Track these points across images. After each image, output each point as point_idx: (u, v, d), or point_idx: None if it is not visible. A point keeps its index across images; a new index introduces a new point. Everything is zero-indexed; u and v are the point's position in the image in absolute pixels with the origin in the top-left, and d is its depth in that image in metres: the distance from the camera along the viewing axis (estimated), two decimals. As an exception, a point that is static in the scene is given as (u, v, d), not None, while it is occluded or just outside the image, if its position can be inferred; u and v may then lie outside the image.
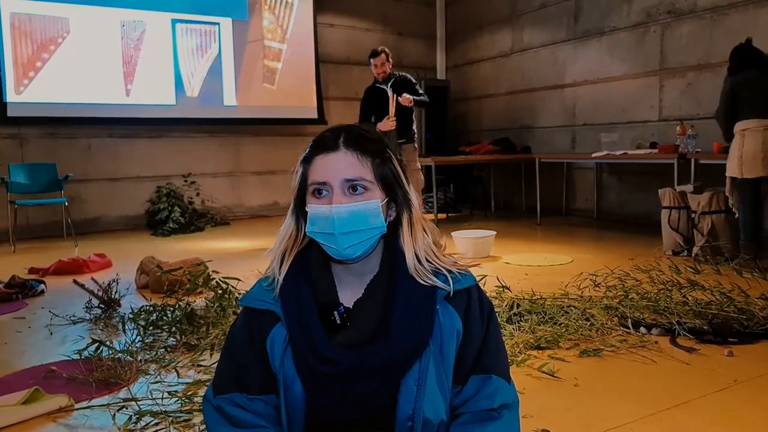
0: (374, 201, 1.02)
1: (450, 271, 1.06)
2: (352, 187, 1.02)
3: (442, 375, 1.03)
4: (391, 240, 1.07)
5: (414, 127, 5.26)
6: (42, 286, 3.84)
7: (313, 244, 1.07)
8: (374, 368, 1.00)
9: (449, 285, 1.04)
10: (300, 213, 1.08)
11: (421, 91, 5.20)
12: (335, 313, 1.03)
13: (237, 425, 1.06)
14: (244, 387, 1.07)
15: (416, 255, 1.05)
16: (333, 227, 1.00)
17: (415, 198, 1.09)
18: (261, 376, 1.06)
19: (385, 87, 5.13)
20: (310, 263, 1.08)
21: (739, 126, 3.98)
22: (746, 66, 4.04)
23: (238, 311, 2.79)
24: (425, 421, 1.01)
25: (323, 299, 1.05)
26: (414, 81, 5.22)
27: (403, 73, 5.26)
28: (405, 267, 1.04)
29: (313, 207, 1.03)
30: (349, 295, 1.07)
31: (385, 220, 1.04)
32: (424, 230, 1.09)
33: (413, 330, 1.01)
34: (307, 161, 1.06)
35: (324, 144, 1.04)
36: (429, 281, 1.04)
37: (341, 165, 1.02)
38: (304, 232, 1.07)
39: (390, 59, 5.18)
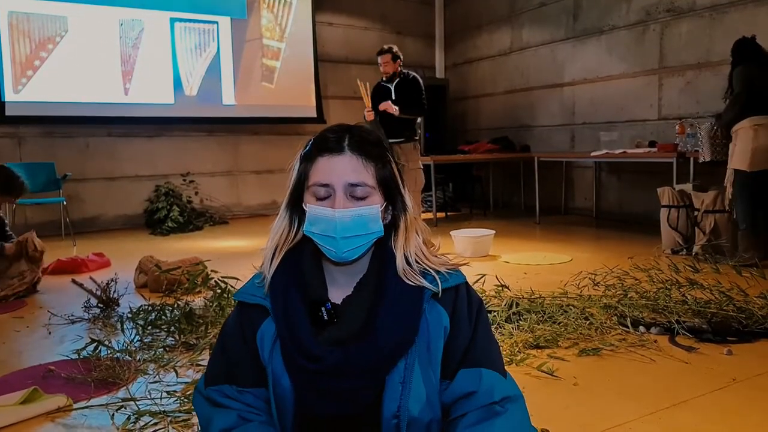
0: (375, 206, 1.03)
1: (438, 272, 1.06)
2: (356, 192, 1.02)
3: (429, 373, 1.04)
4: (382, 241, 1.07)
5: (416, 125, 5.25)
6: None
7: (306, 241, 1.08)
8: (359, 365, 1.01)
9: (437, 285, 1.04)
10: (294, 210, 1.08)
11: (423, 98, 5.09)
12: (323, 309, 1.04)
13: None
14: (234, 380, 1.08)
15: (406, 257, 1.06)
16: (335, 231, 1.01)
17: (410, 201, 1.09)
18: (251, 370, 1.07)
19: (389, 85, 5.14)
20: (302, 260, 1.08)
21: (752, 120, 3.96)
22: (750, 60, 4.05)
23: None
24: (412, 420, 1.02)
25: (312, 296, 1.05)
26: (419, 86, 5.11)
27: (414, 75, 5.19)
28: (393, 268, 1.05)
29: (314, 208, 1.03)
30: (338, 293, 1.07)
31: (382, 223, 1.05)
32: (416, 232, 1.09)
33: (399, 329, 1.02)
34: (308, 160, 1.05)
35: (328, 145, 1.04)
36: (417, 282, 1.04)
37: (346, 169, 1.02)
38: (297, 229, 1.07)
39: (398, 60, 5.12)
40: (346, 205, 1.01)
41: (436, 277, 1.05)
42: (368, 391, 1.02)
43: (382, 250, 1.08)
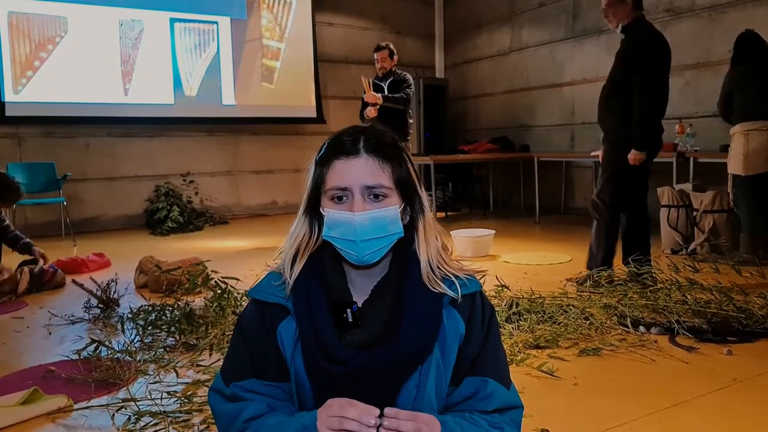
0: (393, 207, 1.03)
1: (457, 277, 1.06)
2: (373, 194, 1.01)
3: (442, 378, 1.04)
4: (402, 243, 1.07)
5: (409, 125, 5.25)
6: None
7: (325, 246, 1.07)
8: (382, 370, 1.00)
9: (457, 291, 1.04)
10: (313, 215, 1.07)
11: (407, 91, 5.12)
12: (348, 310, 1.03)
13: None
14: (260, 373, 1.06)
15: (429, 262, 1.05)
16: (355, 235, 1.00)
17: (428, 202, 1.09)
18: (276, 364, 1.05)
19: (383, 84, 5.15)
20: (322, 264, 1.08)
21: (744, 126, 4.01)
22: (745, 60, 4.08)
23: (238, 311, 2.79)
24: None
25: (337, 298, 1.05)
26: (405, 80, 5.16)
27: (405, 74, 5.24)
28: (416, 272, 1.05)
29: (332, 212, 1.02)
30: (356, 296, 1.07)
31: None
32: (435, 235, 1.09)
33: (421, 334, 1.02)
34: (323, 164, 1.04)
35: (343, 148, 1.03)
36: (439, 289, 1.04)
37: (362, 171, 1.01)
38: (318, 234, 1.07)
39: (394, 57, 5.18)
40: (364, 208, 1.00)
41: (456, 282, 1.05)
42: (386, 396, 1.01)
43: (402, 253, 1.07)
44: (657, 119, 3.52)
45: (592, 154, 5.84)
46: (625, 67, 3.45)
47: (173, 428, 1.84)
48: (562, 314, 2.81)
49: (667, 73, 3.50)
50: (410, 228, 1.07)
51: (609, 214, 3.54)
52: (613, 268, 3.49)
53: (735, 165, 4.08)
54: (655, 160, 5.33)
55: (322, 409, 0.95)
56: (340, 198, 1.02)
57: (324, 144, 1.07)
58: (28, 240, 4.07)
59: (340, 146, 1.03)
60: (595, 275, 3.39)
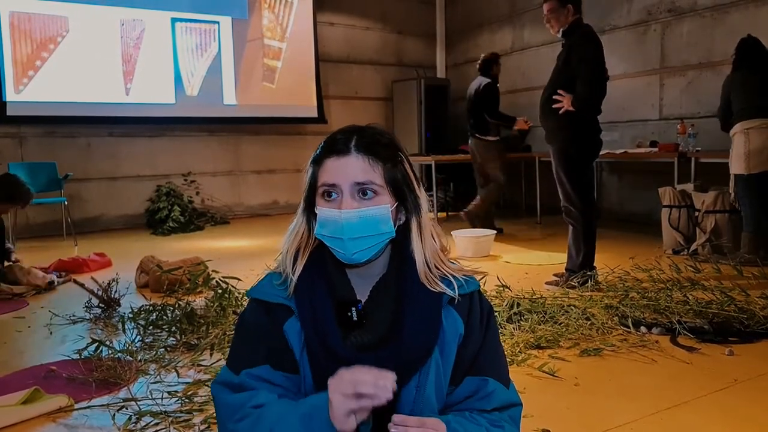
0: (384, 206, 1.02)
1: (455, 277, 1.06)
2: (362, 191, 1.01)
3: (441, 378, 1.04)
4: (399, 243, 1.06)
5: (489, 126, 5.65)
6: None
7: (323, 246, 1.07)
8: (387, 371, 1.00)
9: (455, 291, 1.04)
10: (311, 213, 1.07)
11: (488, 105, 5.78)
12: (353, 309, 1.02)
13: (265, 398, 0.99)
14: (272, 361, 1.02)
15: (426, 262, 1.05)
16: (342, 232, 1.00)
17: (425, 202, 1.07)
18: (286, 355, 1.03)
19: None
20: (324, 263, 1.07)
21: (743, 125, 4.01)
22: (744, 64, 4.09)
23: (239, 311, 2.79)
24: None
25: (341, 297, 1.04)
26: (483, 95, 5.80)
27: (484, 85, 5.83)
28: (414, 273, 1.04)
29: (322, 210, 1.02)
30: (357, 296, 1.06)
31: (395, 225, 1.04)
32: (433, 236, 1.08)
33: (424, 334, 1.01)
34: (317, 162, 1.05)
35: (335, 147, 1.03)
36: (438, 288, 1.04)
37: (351, 169, 1.01)
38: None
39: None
40: (352, 206, 1.00)
41: (454, 282, 1.05)
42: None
43: (400, 253, 1.06)
44: (595, 111, 3.58)
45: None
46: (570, 68, 3.54)
47: (174, 428, 1.84)
48: (563, 314, 2.81)
49: (604, 71, 3.59)
50: (406, 228, 1.07)
51: (584, 218, 3.58)
52: (595, 270, 3.49)
53: (737, 165, 4.07)
54: (656, 160, 5.36)
55: (334, 378, 0.91)
56: (329, 195, 1.02)
57: (321, 143, 1.07)
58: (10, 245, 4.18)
59: (334, 144, 1.04)
60: (573, 279, 3.42)
